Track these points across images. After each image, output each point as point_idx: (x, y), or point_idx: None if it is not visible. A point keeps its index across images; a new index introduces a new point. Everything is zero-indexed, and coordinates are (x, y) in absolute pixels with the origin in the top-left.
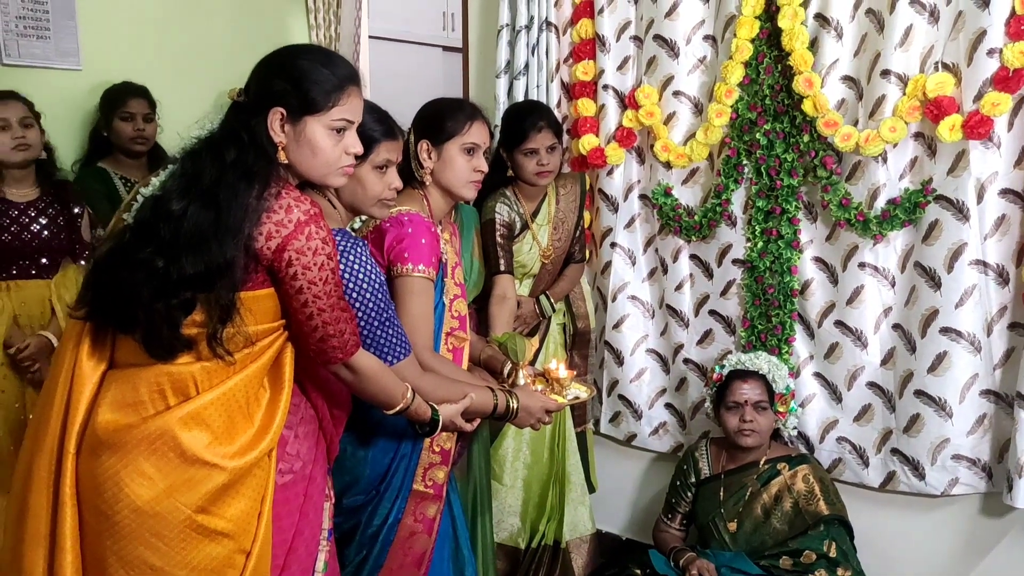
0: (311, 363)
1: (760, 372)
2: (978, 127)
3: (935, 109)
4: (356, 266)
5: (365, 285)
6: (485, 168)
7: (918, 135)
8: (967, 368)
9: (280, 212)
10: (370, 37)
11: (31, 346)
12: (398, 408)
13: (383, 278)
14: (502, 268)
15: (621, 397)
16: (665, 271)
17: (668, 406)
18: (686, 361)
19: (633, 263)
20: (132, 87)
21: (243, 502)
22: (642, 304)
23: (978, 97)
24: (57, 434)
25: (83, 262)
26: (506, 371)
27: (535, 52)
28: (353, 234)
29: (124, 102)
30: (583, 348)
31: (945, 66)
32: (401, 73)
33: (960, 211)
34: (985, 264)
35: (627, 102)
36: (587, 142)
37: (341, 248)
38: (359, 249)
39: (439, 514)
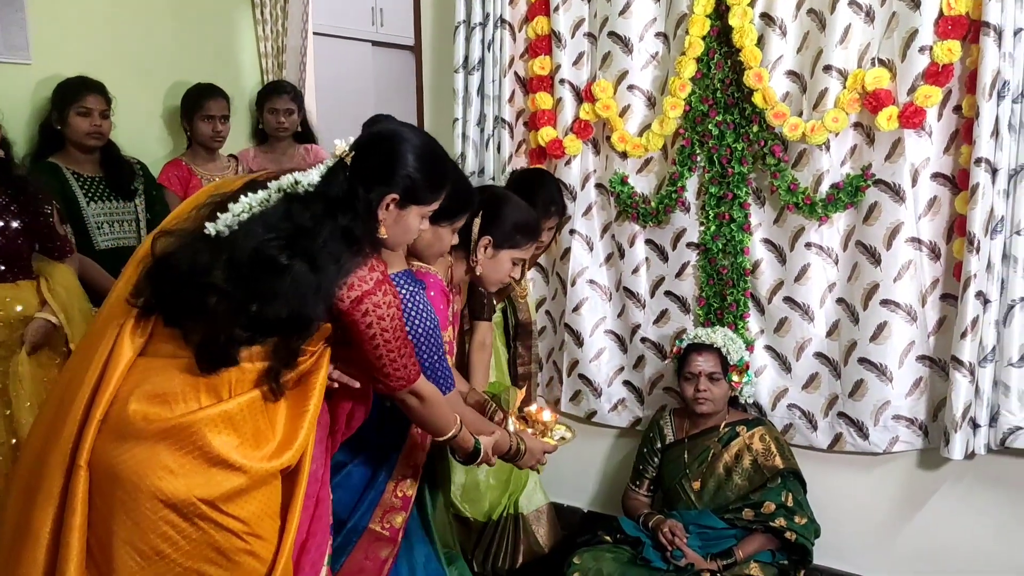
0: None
1: (715, 345)
2: (912, 117)
3: (873, 101)
4: (420, 307)
5: (423, 325)
6: (519, 275)
7: (857, 125)
8: (905, 336)
9: (364, 270)
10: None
11: (32, 332)
12: (450, 435)
13: (437, 320)
14: (484, 316)
15: (581, 376)
16: (622, 255)
17: (626, 383)
18: (643, 340)
19: (591, 248)
20: (89, 82)
21: (255, 504)
22: (600, 287)
23: (911, 90)
24: (85, 402)
25: (68, 256)
26: (490, 413)
27: (490, 48)
28: (415, 276)
29: (81, 97)
30: (526, 339)
31: (881, 62)
32: (334, 69)
33: (897, 194)
34: (919, 241)
35: (583, 96)
36: (545, 134)
37: (407, 290)
38: (421, 293)
39: (392, 558)
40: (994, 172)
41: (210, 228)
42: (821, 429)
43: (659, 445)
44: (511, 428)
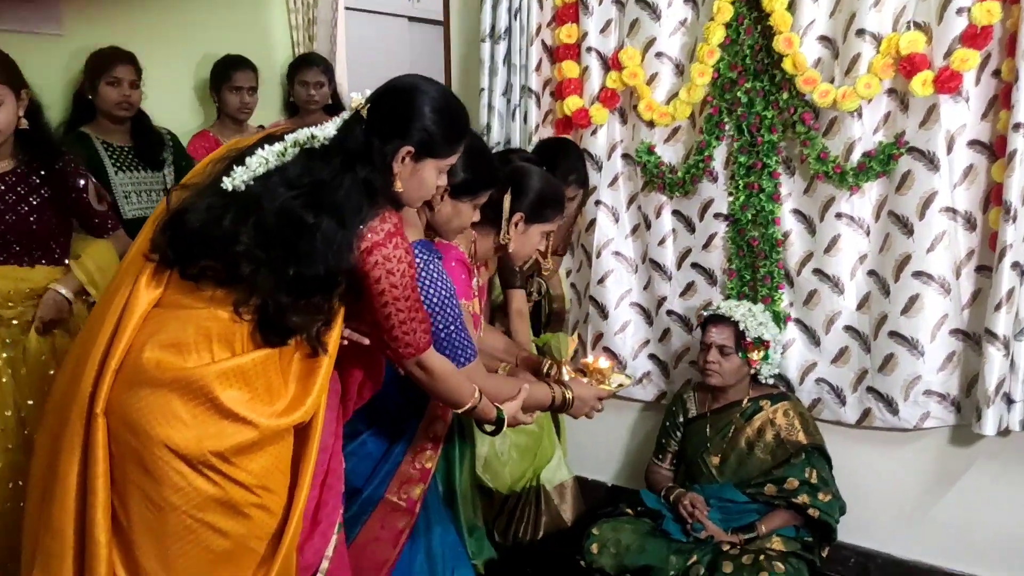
0: (362, 350)
1: (733, 319)
2: (948, 82)
3: (908, 66)
4: (435, 276)
5: (437, 294)
6: (544, 248)
7: (891, 91)
8: (937, 309)
9: (375, 220)
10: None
11: (42, 306)
12: (467, 407)
13: (453, 289)
14: (516, 283)
15: (606, 349)
16: (648, 227)
17: (652, 356)
18: (669, 313)
19: (617, 220)
20: (120, 53)
21: (266, 459)
22: (626, 259)
23: (948, 54)
24: (102, 352)
25: (111, 233)
26: (546, 369)
27: (516, 16)
28: (432, 245)
29: (112, 67)
30: (557, 328)
31: (917, 25)
32: (370, 45)
33: (931, 162)
34: (954, 211)
35: (610, 64)
36: (571, 103)
37: (422, 258)
38: (436, 261)
39: (408, 528)
40: None
41: (226, 183)
42: (850, 404)
43: (681, 419)
44: (565, 378)
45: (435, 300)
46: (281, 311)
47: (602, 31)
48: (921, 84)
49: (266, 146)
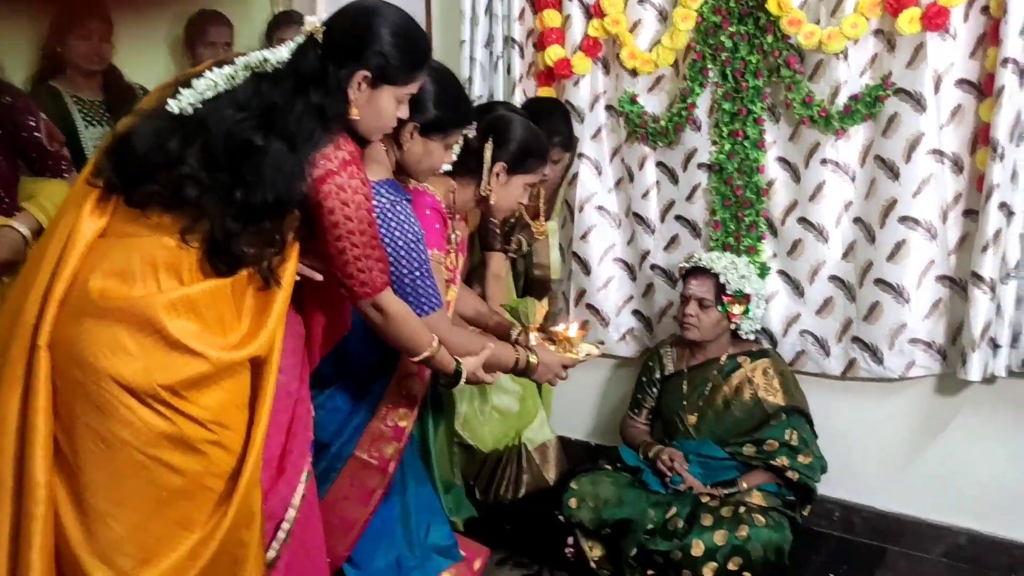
0: (324, 291)
1: (713, 271)
2: (936, 18)
3: (894, 3)
4: (401, 218)
5: (403, 236)
6: (527, 200)
7: (878, 32)
8: (924, 254)
9: (329, 148)
10: None
11: None
12: (424, 355)
13: (421, 233)
14: (496, 246)
15: (589, 306)
16: (631, 179)
17: (635, 312)
18: (653, 267)
19: (599, 173)
20: (91, 6)
21: (220, 394)
22: (609, 214)
23: None
24: (45, 283)
25: (65, 175)
26: (515, 335)
27: None
28: (400, 186)
29: (82, 20)
30: (540, 296)
31: None
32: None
33: (918, 102)
34: (941, 153)
35: (592, 12)
36: (553, 53)
37: (387, 198)
38: (404, 203)
39: (381, 488)
40: (1022, 73)
41: (172, 105)
42: (834, 355)
43: (658, 375)
44: (532, 344)
45: (400, 243)
46: (229, 238)
47: None
48: (908, 21)
49: (215, 69)
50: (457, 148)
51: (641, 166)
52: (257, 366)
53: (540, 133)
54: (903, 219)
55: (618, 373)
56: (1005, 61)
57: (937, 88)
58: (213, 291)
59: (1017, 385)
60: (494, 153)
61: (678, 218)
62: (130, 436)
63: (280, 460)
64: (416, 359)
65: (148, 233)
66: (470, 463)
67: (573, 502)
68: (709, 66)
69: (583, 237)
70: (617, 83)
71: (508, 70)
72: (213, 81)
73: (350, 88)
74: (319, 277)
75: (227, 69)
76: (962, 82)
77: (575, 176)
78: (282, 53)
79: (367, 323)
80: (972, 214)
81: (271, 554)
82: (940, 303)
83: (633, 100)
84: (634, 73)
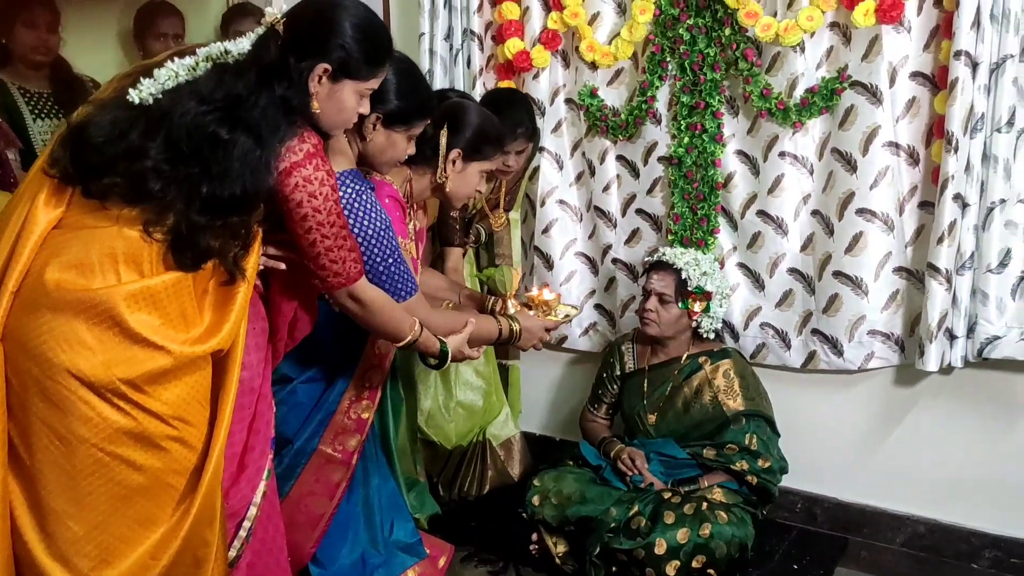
0: (291, 286)
1: (676, 266)
2: (890, 11)
3: None
4: (368, 207)
5: (372, 225)
6: (484, 189)
7: (833, 25)
8: (881, 247)
9: (294, 140)
10: None
11: None
12: (407, 340)
13: (389, 220)
14: (455, 241)
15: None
16: (592, 173)
17: (598, 307)
18: (614, 261)
19: (560, 167)
20: None
21: (182, 388)
22: (570, 208)
23: None
24: None
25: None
26: (489, 305)
27: None
28: (362, 176)
29: (29, 9)
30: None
31: None
32: None
33: (874, 95)
34: (897, 146)
35: (551, 4)
36: (512, 45)
37: (353, 188)
38: (369, 192)
39: (345, 481)
40: (975, 66)
41: (133, 95)
42: (795, 348)
43: (619, 372)
44: (511, 311)
45: (370, 232)
46: (195, 231)
47: None
48: (863, 14)
49: (176, 59)
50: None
51: (602, 160)
52: (220, 360)
53: (495, 120)
54: (860, 211)
55: (582, 367)
56: (958, 54)
57: (892, 81)
58: (175, 284)
59: (973, 376)
60: (449, 140)
61: (639, 212)
62: (89, 433)
63: (241, 457)
64: (400, 344)
65: (108, 225)
66: (434, 460)
67: (536, 499)
68: (668, 59)
69: (545, 231)
70: (577, 76)
71: (468, 63)
72: (174, 71)
73: (311, 81)
74: (282, 266)
75: (188, 60)
76: (916, 75)
77: (536, 170)
78: (243, 44)
79: (347, 314)
80: (928, 206)
81: (232, 553)
82: (898, 295)
83: (593, 93)
84: (594, 66)
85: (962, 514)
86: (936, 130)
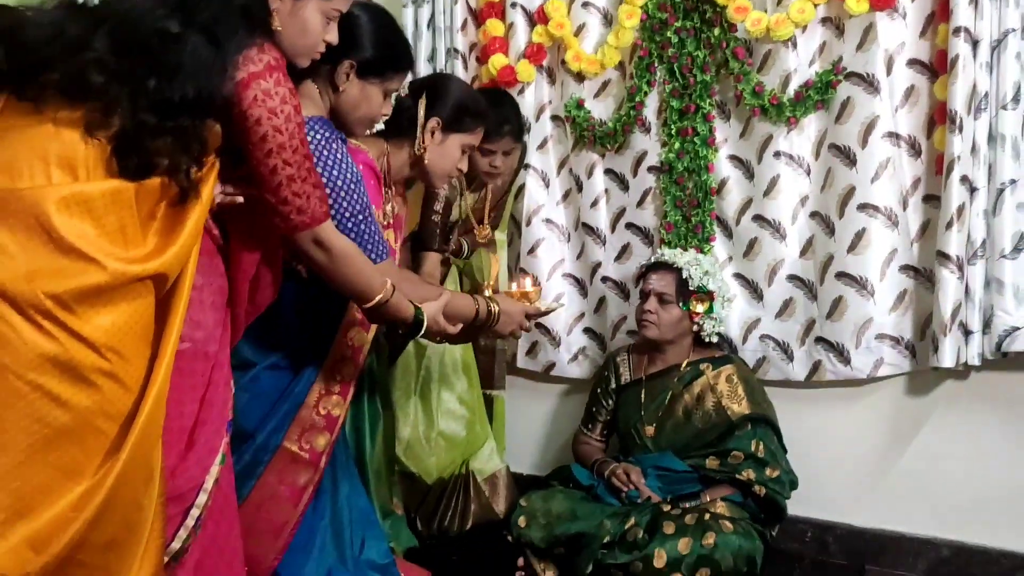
0: (252, 233)
1: (676, 266)
2: None
3: None
4: (338, 156)
5: (342, 176)
6: (466, 168)
7: (825, 19)
8: (886, 243)
9: (252, 50)
10: None
11: None
12: (377, 300)
13: (360, 175)
14: (434, 246)
15: (538, 325)
16: (580, 189)
17: (587, 330)
18: (604, 279)
19: (547, 185)
20: None
21: (117, 315)
22: (557, 227)
23: None
24: None
25: None
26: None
27: None
28: (333, 126)
29: None
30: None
31: None
32: None
33: (871, 84)
34: (897, 136)
35: (535, 18)
36: (496, 61)
37: (322, 135)
38: (340, 143)
39: (312, 485)
40: (975, 44)
41: None
42: (798, 359)
43: (614, 385)
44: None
45: (339, 183)
46: (141, 131)
47: None
48: (856, 1)
49: None
50: (389, 107)
51: (590, 174)
52: (164, 297)
53: (478, 94)
54: (862, 207)
55: (571, 399)
56: (957, 30)
57: (889, 69)
58: (114, 193)
59: (992, 378)
60: (428, 110)
61: (629, 226)
62: (8, 358)
63: (191, 432)
64: (368, 304)
65: (43, 126)
66: (412, 492)
67: (522, 520)
68: (656, 64)
69: (531, 251)
70: (563, 92)
71: None
72: None
73: None
74: (240, 199)
75: None
76: (914, 62)
77: (522, 188)
78: None
79: (311, 267)
80: (933, 200)
81: (176, 544)
82: (906, 295)
83: (579, 105)
84: (580, 78)
85: (989, 534)
86: (938, 116)
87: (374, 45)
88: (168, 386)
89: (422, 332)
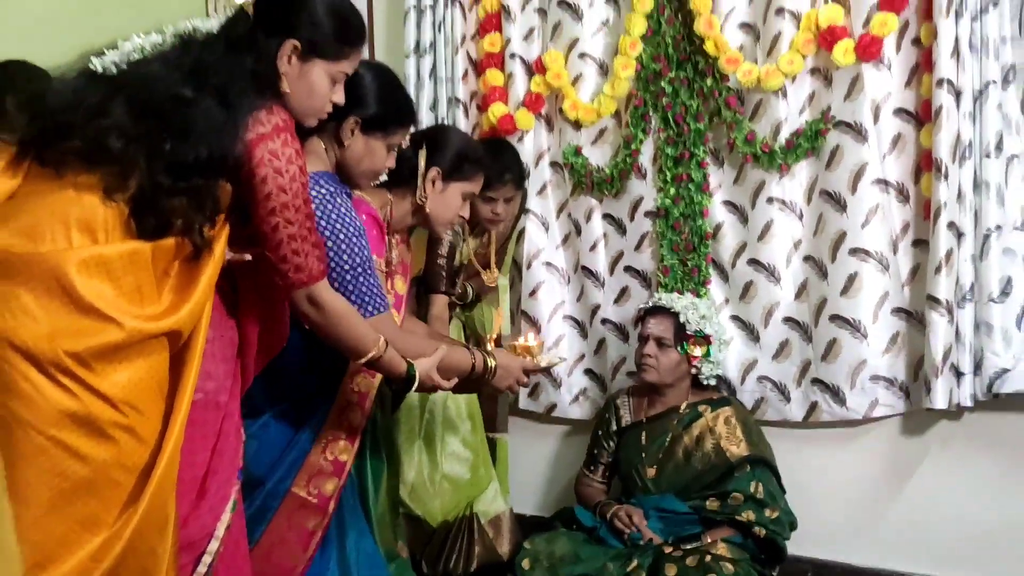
0: (259, 287)
1: (673, 310)
2: (870, 47)
3: (828, 37)
4: (341, 210)
5: (344, 229)
6: (468, 215)
7: (814, 70)
8: (878, 287)
9: (261, 112)
10: None
11: None
12: (369, 356)
13: (362, 229)
14: (441, 288)
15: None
16: (579, 233)
17: (588, 372)
18: (604, 322)
19: (547, 229)
20: None
21: (134, 371)
22: (557, 270)
23: (867, 21)
24: None
25: None
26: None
27: (440, 29)
28: (338, 179)
29: None
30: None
31: None
32: None
33: (859, 133)
34: (886, 183)
35: (534, 69)
36: (496, 110)
37: (327, 189)
38: (344, 196)
39: (321, 530)
40: (958, 95)
41: (96, 63)
42: (795, 400)
43: (615, 427)
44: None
45: (341, 236)
46: (158, 192)
47: (525, 37)
48: (843, 53)
49: (142, 35)
50: (392, 160)
51: (588, 219)
52: (178, 352)
53: (477, 143)
54: (853, 251)
55: (573, 440)
56: (940, 82)
57: (876, 118)
58: (131, 254)
59: (985, 419)
60: (428, 159)
61: (627, 269)
62: (30, 415)
63: (203, 481)
64: (361, 360)
65: (64, 191)
66: (417, 535)
67: (526, 563)
68: (651, 112)
69: (532, 294)
70: (561, 139)
71: None
72: (140, 46)
73: (280, 59)
74: (247, 256)
75: (155, 36)
76: (900, 111)
77: (522, 232)
78: (211, 24)
79: (306, 322)
80: (922, 244)
81: None
82: (898, 337)
83: (577, 152)
84: (578, 125)
85: (983, 572)
86: (924, 164)
87: (377, 102)
88: (183, 438)
89: (414, 388)
